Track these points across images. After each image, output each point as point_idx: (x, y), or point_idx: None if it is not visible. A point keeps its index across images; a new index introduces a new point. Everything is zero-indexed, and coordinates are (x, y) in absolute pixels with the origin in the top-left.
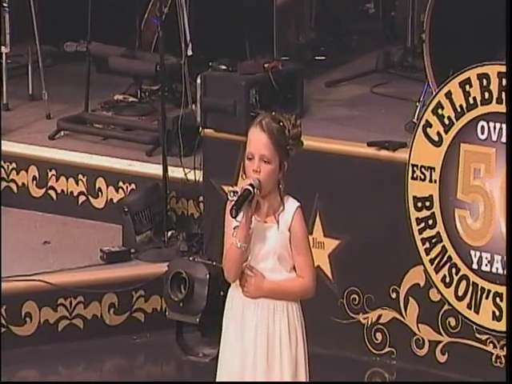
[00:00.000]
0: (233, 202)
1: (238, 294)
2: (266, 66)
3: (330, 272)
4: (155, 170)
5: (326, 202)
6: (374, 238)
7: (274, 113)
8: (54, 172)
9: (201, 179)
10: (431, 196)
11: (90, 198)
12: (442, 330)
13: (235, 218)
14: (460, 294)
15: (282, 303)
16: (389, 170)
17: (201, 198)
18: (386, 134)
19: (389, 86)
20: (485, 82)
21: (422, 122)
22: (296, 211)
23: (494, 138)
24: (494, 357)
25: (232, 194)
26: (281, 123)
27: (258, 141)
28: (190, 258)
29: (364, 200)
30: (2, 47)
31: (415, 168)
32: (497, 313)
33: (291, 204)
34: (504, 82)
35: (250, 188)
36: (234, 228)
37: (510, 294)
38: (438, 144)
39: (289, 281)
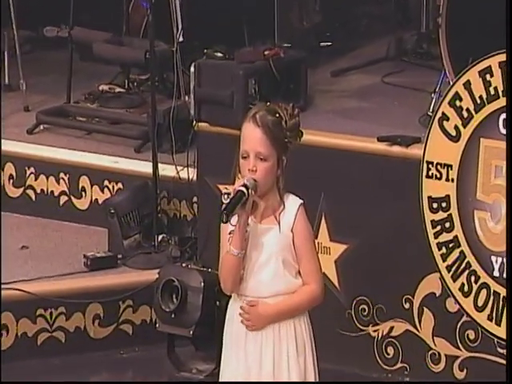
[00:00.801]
0: (223, 206)
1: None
2: (266, 53)
3: (336, 280)
4: (144, 167)
5: (332, 203)
6: (384, 242)
7: (268, 103)
8: (32, 170)
9: (194, 178)
10: (448, 196)
11: (72, 198)
12: (459, 344)
13: (226, 223)
14: (480, 304)
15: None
16: (401, 167)
17: (194, 199)
18: (398, 128)
19: (401, 75)
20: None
21: (438, 115)
22: (298, 210)
23: None
24: None
25: (226, 197)
26: (277, 114)
27: (252, 137)
28: (183, 265)
29: (374, 201)
30: None
31: (430, 165)
32: None
33: (292, 202)
34: None
35: (244, 189)
36: (230, 233)
37: (510, 296)
38: (455, 139)
39: (295, 296)
